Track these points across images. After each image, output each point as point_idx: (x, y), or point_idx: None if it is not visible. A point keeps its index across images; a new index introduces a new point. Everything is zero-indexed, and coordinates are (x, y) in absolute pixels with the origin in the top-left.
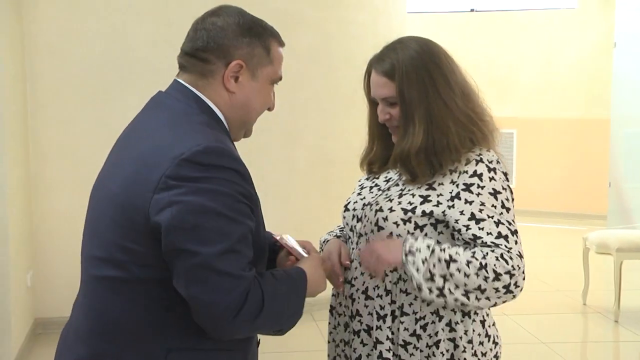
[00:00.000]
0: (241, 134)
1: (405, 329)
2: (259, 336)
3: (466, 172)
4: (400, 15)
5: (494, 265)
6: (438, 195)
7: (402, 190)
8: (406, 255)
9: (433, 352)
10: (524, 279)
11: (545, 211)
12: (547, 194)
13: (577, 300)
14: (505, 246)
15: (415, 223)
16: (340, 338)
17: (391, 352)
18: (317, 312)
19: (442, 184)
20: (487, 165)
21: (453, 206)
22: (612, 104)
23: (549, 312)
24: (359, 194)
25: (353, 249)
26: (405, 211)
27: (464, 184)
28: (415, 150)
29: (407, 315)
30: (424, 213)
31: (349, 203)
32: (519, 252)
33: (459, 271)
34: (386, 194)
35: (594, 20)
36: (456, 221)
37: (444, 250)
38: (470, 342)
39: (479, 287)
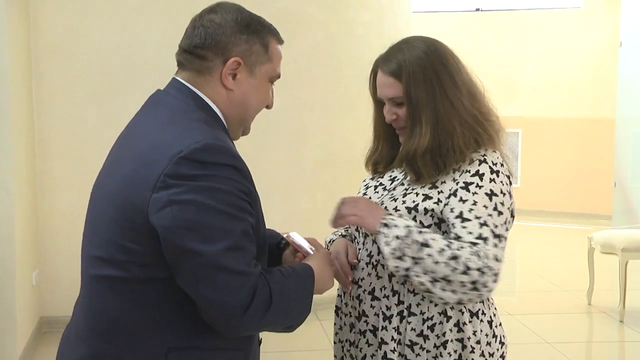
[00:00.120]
0: (240, 132)
1: (413, 329)
2: (261, 335)
3: (468, 171)
4: (405, 14)
5: (467, 258)
6: (439, 193)
7: (406, 189)
8: (383, 225)
9: (440, 353)
10: (495, 281)
11: (550, 211)
12: (552, 193)
13: (582, 300)
14: (483, 247)
15: (421, 222)
16: (346, 338)
17: (396, 352)
18: (321, 312)
19: (444, 182)
20: (490, 167)
21: (448, 203)
22: (618, 103)
23: (554, 312)
24: (364, 193)
25: (359, 249)
26: (410, 210)
27: (463, 182)
28: (422, 150)
29: (415, 315)
30: (426, 211)
31: None
32: (496, 255)
33: (430, 256)
34: (391, 194)
35: (600, 19)
36: (447, 218)
37: (421, 233)
38: (478, 342)
39: (445, 277)
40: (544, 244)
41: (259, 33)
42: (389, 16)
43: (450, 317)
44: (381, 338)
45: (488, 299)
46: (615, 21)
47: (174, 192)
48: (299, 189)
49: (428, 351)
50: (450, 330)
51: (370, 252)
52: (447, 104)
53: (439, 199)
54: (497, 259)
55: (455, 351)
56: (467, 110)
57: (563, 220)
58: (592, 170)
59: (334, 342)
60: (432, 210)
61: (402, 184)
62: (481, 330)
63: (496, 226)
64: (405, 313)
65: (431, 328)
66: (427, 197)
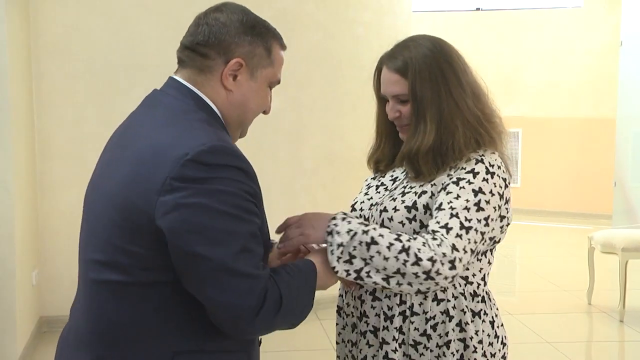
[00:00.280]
0: (237, 134)
1: (416, 329)
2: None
3: (464, 168)
4: (405, 14)
5: (418, 249)
6: (432, 186)
7: (404, 188)
8: (328, 234)
9: (443, 352)
10: (451, 268)
11: (550, 210)
12: (552, 193)
13: (582, 299)
14: (442, 235)
15: (421, 222)
16: (349, 339)
17: (397, 352)
18: (322, 311)
19: (440, 178)
20: (486, 167)
21: (438, 197)
22: (618, 103)
23: (554, 311)
24: (366, 193)
25: None
26: (409, 209)
27: (456, 178)
28: (425, 149)
29: (418, 315)
30: (424, 208)
31: (355, 203)
32: (455, 244)
33: (379, 254)
34: (391, 194)
35: (600, 19)
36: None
37: (367, 232)
38: (480, 342)
39: (398, 271)
40: (544, 243)
41: (263, 36)
42: (388, 16)
43: (453, 317)
44: (382, 338)
45: (490, 299)
46: (615, 21)
47: (180, 195)
48: (299, 189)
49: (431, 351)
50: (453, 330)
51: None
52: (452, 102)
53: (432, 192)
54: (455, 248)
55: (457, 351)
56: (470, 110)
57: (563, 220)
58: (593, 170)
59: (337, 343)
60: (427, 205)
61: (402, 183)
62: (483, 331)
63: (468, 220)
64: (408, 313)
65: (434, 327)
66: (423, 193)
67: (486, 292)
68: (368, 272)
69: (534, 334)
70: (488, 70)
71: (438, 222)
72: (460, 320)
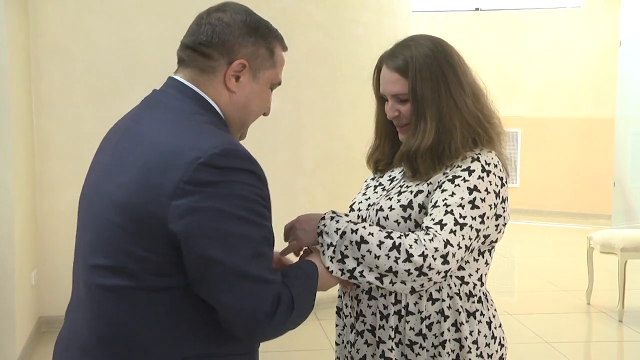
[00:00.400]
0: (238, 136)
1: (411, 329)
2: None
3: (460, 166)
4: (405, 14)
5: (409, 246)
6: (428, 185)
7: (401, 187)
8: (318, 235)
9: (439, 352)
10: (443, 263)
11: (549, 210)
12: (551, 193)
13: (581, 299)
14: (436, 231)
15: (415, 221)
16: (347, 339)
17: (394, 351)
18: (321, 311)
19: (436, 176)
20: (482, 165)
21: (433, 194)
22: (617, 103)
23: (553, 311)
24: (364, 194)
25: None
26: (404, 208)
27: (452, 176)
28: (424, 148)
29: (413, 314)
30: (419, 207)
31: (354, 203)
32: (449, 239)
33: (370, 252)
34: (387, 194)
35: (600, 19)
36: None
37: (357, 231)
38: (475, 342)
39: (390, 269)
40: (543, 243)
41: (266, 37)
42: (388, 16)
43: (448, 317)
44: (379, 337)
45: (487, 300)
46: (615, 21)
47: (194, 199)
48: (298, 189)
49: (427, 350)
50: (448, 330)
51: None
52: (451, 102)
53: (428, 190)
54: (449, 244)
55: (453, 351)
56: (469, 110)
57: (562, 220)
58: (592, 170)
59: (337, 344)
60: (423, 204)
61: (399, 183)
62: (479, 331)
63: (463, 216)
64: (403, 312)
65: (429, 327)
66: (419, 192)
67: (483, 293)
68: (361, 272)
69: (533, 334)
70: (487, 71)
71: (432, 219)
72: (455, 321)
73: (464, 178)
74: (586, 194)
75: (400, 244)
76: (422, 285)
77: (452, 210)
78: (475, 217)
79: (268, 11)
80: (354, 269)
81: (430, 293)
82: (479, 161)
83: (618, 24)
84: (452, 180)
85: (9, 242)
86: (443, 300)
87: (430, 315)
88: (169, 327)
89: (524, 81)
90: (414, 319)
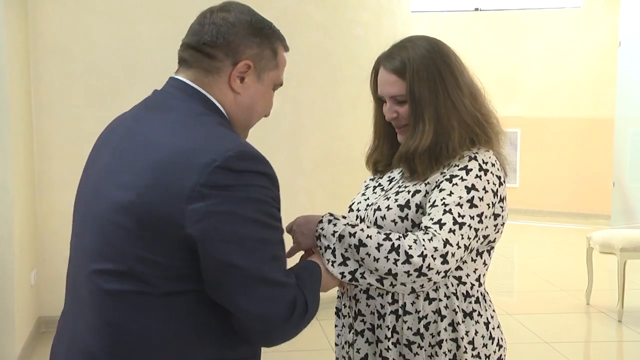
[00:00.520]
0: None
1: (409, 328)
2: None
3: (457, 165)
4: (404, 14)
5: (408, 247)
6: (426, 185)
7: (399, 187)
8: (316, 238)
9: (436, 352)
10: (443, 263)
11: (548, 211)
12: (550, 193)
13: (581, 299)
14: (435, 231)
15: (412, 221)
16: (345, 340)
17: (391, 351)
18: (321, 312)
19: (434, 176)
20: (480, 164)
21: (432, 195)
22: (617, 103)
23: (553, 311)
24: (363, 194)
25: None
26: (402, 207)
27: (449, 175)
28: (423, 149)
29: (410, 314)
30: (417, 207)
31: (353, 204)
32: (448, 239)
33: (369, 255)
34: (386, 194)
35: (599, 19)
36: (426, 209)
37: (355, 235)
38: (471, 343)
39: (389, 272)
40: (542, 243)
41: (269, 38)
42: (387, 16)
43: (445, 317)
44: (377, 336)
45: (485, 301)
46: (614, 21)
47: (211, 203)
48: (298, 189)
49: (425, 350)
50: (445, 330)
51: None
52: (449, 103)
53: (426, 190)
54: (449, 243)
55: (450, 351)
56: (467, 110)
57: (562, 220)
58: (591, 170)
59: (336, 344)
60: (420, 203)
61: (398, 183)
62: (476, 332)
63: (462, 216)
64: (401, 312)
65: (426, 327)
66: (416, 192)
67: (481, 294)
68: (362, 274)
69: (533, 334)
70: (487, 71)
71: (431, 219)
72: (452, 320)
73: (462, 177)
74: (586, 194)
75: (399, 245)
76: (422, 286)
77: (450, 209)
78: (473, 216)
79: (269, 11)
80: (356, 270)
81: (427, 293)
82: (477, 160)
83: (617, 24)
84: (450, 180)
85: (9, 242)
86: (440, 300)
87: (427, 315)
88: (181, 331)
89: (523, 81)
90: (411, 318)
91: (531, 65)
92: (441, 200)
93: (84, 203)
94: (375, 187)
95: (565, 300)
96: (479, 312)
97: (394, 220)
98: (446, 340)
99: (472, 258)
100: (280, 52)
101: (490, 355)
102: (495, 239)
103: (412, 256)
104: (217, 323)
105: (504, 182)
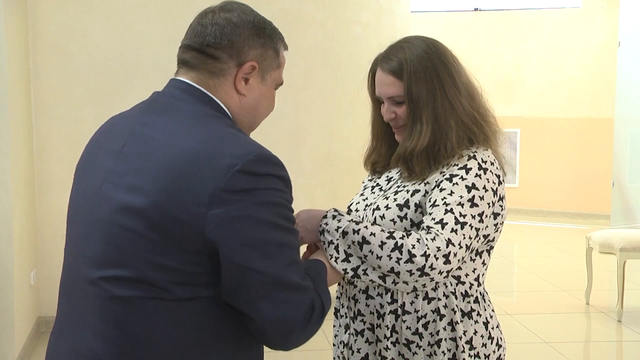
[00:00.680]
0: None
1: (408, 328)
2: None
3: (456, 164)
4: (404, 14)
5: (411, 246)
6: (425, 184)
7: (398, 187)
8: (320, 234)
9: (435, 351)
10: (445, 263)
11: (548, 210)
12: (550, 193)
13: (580, 299)
14: (437, 231)
15: (411, 220)
16: (340, 340)
17: (389, 350)
18: None
19: (433, 176)
20: (479, 163)
21: (432, 194)
22: (616, 103)
23: (552, 311)
24: (362, 194)
25: None
26: (401, 207)
27: (449, 174)
28: (420, 149)
29: (409, 313)
30: (416, 206)
31: (351, 204)
32: (450, 239)
33: (372, 253)
34: (384, 194)
35: (598, 19)
36: (426, 209)
37: (359, 232)
38: (470, 342)
39: (392, 270)
40: (542, 243)
41: (272, 38)
42: (387, 16)
43: (444, 316)
44: (377, 336)
45: (484, 301)
46: (613, 21)
47: (232, 208)
48: (298, 189)
49: (424, 349)
50: (444, 329)
51: None
52: (447, 103)
53: (425, 190)
54: (451, 243)
55: (449, 350)
56: (465, 110)
57: (561, 219)
58: (591, 170)
59: (333, 344)
60: (419, 203)
61: (396, 183)
62: (475, 331)
63: (463, 215)
64: (400, 311)
65: (425, 326)
66: (415, 192)
67: (480, 293)
68: (365, 270)
69: (532, 334)
70: (486, 71)
71: (433, 219)
72: (451, 320)
73: (462, 176)
74: (585, 194)
75: (402, 244)
76: (423, 285)
77: (452, 209)
78: (474, 216)
79: (268, 11)
80: (358, 267)
81: (426, 292)
82: (476, 159)
83: (617, 24)
84: (449, 179)
85: (8, 242)
86: (439, 299)
87: (426, 314)
88: (191, 337)
89: (523, 81)
90: (410, 317)
91: (530, 65)
92: (442, 199)
93: (84, 209)
94: (373, 187)
95: (565, 300)
96: (477, 311)
97: (393, 219)
98: (445, 339)
99: (471, 258)
100: (282, 52)
101: (489, 354)
102: (494, 238)
103: (415, 255)
104: (228, 329)
105: (503, 180)
